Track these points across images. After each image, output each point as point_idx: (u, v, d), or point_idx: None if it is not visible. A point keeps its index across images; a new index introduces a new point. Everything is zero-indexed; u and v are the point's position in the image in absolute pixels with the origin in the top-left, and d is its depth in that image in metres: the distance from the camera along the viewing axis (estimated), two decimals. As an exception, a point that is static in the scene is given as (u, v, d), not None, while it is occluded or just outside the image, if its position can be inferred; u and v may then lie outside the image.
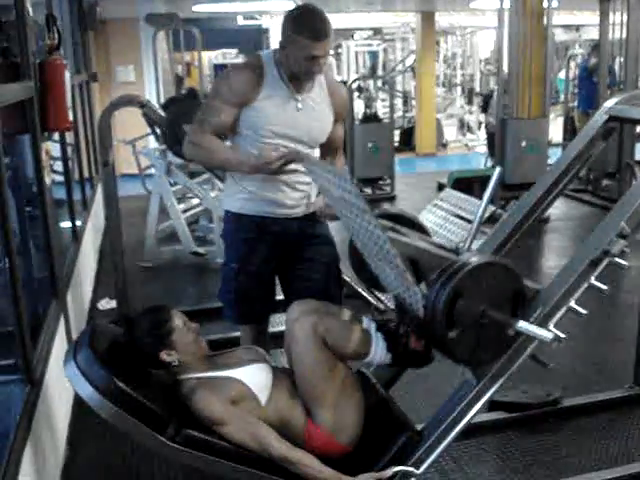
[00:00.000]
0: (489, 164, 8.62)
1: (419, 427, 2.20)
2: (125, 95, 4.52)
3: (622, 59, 7.09)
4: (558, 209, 6.86)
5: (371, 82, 10.85)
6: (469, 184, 6.11)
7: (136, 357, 2.08)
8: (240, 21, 12.79)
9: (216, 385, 2.06)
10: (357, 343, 2.15)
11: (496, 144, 6.78)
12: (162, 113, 4.49)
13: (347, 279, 3.47)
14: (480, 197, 2.33)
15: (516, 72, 6.29)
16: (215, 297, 2.77)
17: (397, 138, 11.18)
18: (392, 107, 8.94)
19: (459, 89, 14.51)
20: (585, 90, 8.27)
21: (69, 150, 4.73)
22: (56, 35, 3.24)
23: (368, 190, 8.24)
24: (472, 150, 11.96)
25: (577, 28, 16.70)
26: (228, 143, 2.58)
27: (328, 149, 2.65)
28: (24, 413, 2.25)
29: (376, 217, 1.94)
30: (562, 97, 10.34)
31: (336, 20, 14.47)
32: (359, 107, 9.90)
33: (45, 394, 2.54)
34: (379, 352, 2.16)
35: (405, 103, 13.68)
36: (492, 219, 2.64)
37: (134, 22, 9.60)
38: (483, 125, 11.70)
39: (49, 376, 2.61)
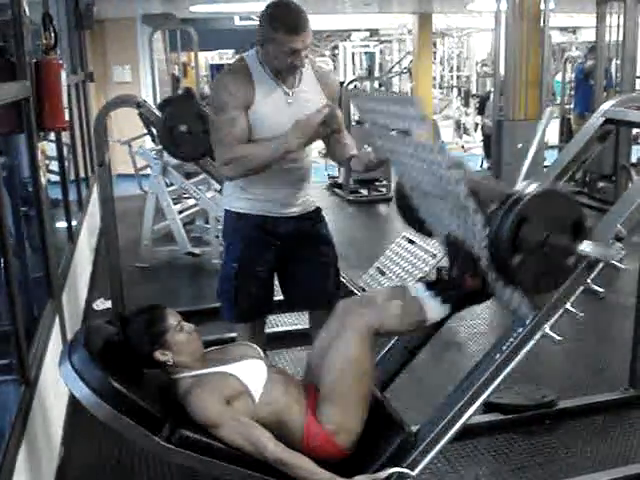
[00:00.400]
0: (485, 166, 8.62)
1: (414, 428, 2.20)
2: (121, 95, 4.51)
3: (619, 62, 7.11)
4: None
5: (368, 83, 10.86)
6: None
7: (131, 357, 2.08)
8: (237, 22, 12.78)
9: (211, 382, 2.05)
10: (413, 319, 2.18)
11: (492, 146, 6.78)
12: (158, 113, 4.49)
13: (344, 280, 3.47)
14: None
15: (512, 74, 6.28)
16: (211, 297, 2.77)
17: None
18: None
19: (455, 91, 14.53)
20: (581, 93, 8.28)
21: (65, 150, 4.72)
22: (52, 35, 3.23)
23: (364, 191, 8.25)
24: (468, 152, 11.98)
25: (574, 30, 16.76)
26: None
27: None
28: (19, 413, 2.25)
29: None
30: (559, 99, 10.36)
31: (333, 21, 14.52)
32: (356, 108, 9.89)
33: (40, 394, 2.54)
34: (435, 311, 2.17)
35: (402, 104, 13.66)
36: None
37: (131, 22, 9.59)
38: (479, 127, 11.71)
39: (44, 376, 2.61)
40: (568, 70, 9.84)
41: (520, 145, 6.32)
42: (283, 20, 2.31)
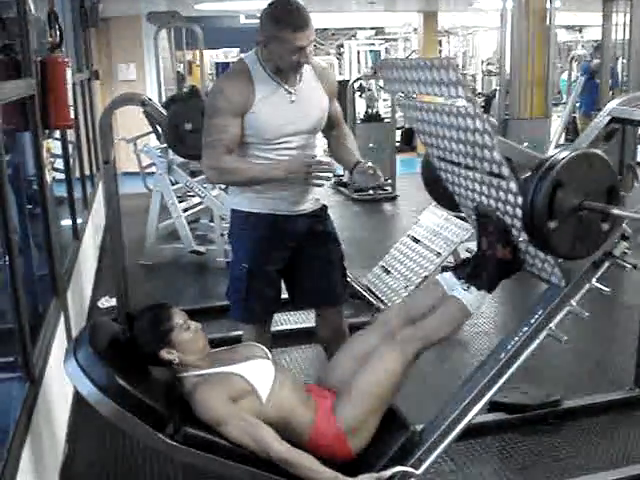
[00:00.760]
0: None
1: (419, 427, 2.20)
2: (126, 93, 4.51)
3: (625, 60, 7.08)
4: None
5: (373, 82, 10.84)
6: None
7: (136, 354, 2.09)
8: (242, 20, 12.77)
9: (217, 381, 2.05)
10: (458, 322, 2.23)
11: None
12: (163, 111, 4.49)
13: (349, 279, 3.47)
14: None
15: (518, 72, 6.27)
16: (215, 296, 2.77)
17: (398, 138, 11.17)
18: (394, 107, 8.93)
19: (461, 89, 14.49)
20: (587, 92, 8.26)
21: (70, 148, 4.73)
22: (58, 33, 3.24)
23: (369, 190, 8.23)
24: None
25: (580, 29, 16.71)
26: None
27: (331, 125, 2.66)
28: (23, 410, 2.25)
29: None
30: (564, 98, 10.33)
31: (338, 19, 14.51)
32: (361, 107, 9.88)
33: (45, 391, 2.54)
34: (474, 302, 2.19)
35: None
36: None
37: (136, 20, 9.59)
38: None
39: (49, 374, 2.61)
40: (574, 69, 9.82)
41: (526, 144, 6.31)
42: (287, 18, 2.31)
